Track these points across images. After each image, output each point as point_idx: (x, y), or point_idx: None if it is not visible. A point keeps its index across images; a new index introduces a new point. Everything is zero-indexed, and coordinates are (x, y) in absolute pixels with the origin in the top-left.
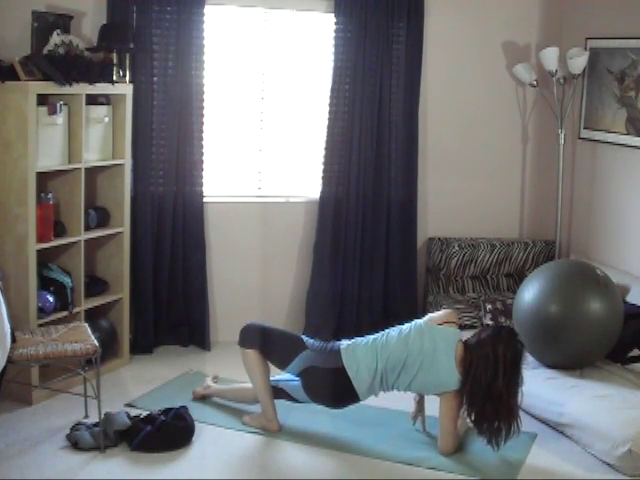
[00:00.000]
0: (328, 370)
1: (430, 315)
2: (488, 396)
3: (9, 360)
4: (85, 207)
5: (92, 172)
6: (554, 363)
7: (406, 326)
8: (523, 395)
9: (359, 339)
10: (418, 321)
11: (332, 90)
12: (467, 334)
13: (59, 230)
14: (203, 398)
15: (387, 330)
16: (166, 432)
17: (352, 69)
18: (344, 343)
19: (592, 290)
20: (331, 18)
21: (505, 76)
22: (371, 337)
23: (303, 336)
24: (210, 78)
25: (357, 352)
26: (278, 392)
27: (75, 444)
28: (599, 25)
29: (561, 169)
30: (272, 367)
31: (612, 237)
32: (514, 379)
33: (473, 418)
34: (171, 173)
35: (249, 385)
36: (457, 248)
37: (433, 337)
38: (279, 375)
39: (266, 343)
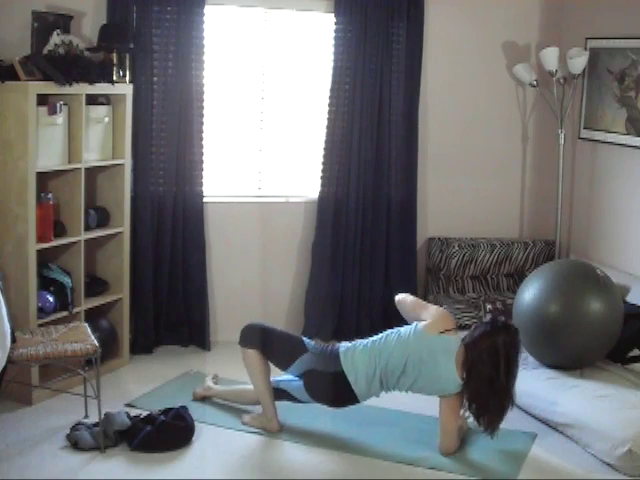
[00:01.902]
0: (328, 374)
1: (430, 322)
2: (491, 389)
3: (9, 360)
4: (85, 207)
5: (92, 172)
6: (554, 363)
7: (405, 330)
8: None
9: (358, 342)
10: (419, 326)
11: (332, 90)
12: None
13: (59, 230)
14: (203, 399)
15: (386, 332)
16: (166, 432)
17: (352, 69)
18: (343, 346)
19: (592, 290)
20: (331, 18)
21: (505, 76)
22: (370, 340)
23: (304, 338)
24: (210, 78)
25: (355, 357)
26: (279, 393)
27: (75, 444)
28: (599, 25)
29: (561, 169)
30: (273, 368)
31: (612, 237)
32: (513, 368)
33: (475, 412)
34: (171, 173)
35: (250, 386)
36: (457, 248)
37: (432, 347)
38: (280, 376)
39: (267, 343)
